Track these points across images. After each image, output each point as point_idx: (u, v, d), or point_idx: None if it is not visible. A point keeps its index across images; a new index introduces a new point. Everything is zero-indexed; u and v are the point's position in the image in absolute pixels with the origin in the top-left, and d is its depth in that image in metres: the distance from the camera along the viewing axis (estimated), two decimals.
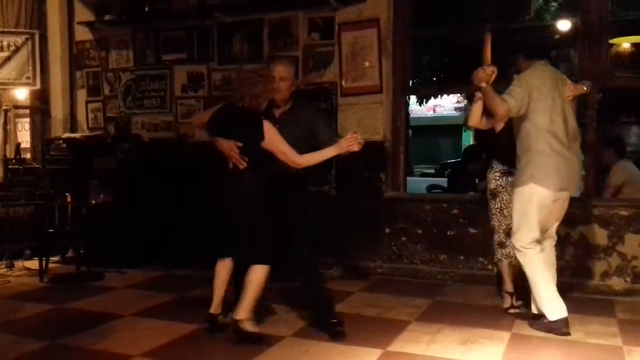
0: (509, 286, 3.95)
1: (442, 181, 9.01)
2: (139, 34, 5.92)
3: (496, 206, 3.92)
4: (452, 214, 4.82)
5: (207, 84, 5.65)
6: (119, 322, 3.79)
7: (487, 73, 3.42)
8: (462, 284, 4.66)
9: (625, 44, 9.03)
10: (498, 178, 3.89)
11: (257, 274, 3.33)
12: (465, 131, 22.10)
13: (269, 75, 3.48)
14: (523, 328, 3.64)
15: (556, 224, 3.70)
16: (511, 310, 3.91)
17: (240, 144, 3.29)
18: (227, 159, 3.34)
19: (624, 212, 4.31)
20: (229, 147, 3.31)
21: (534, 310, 3.66)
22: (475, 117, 3.89)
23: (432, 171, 20.20)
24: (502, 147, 3.86)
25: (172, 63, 5.80)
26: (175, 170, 5.42)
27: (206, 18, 5.53)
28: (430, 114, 24.62)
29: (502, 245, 3.93)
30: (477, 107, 3.84)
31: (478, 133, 5.52)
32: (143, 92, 5.94)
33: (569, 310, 3.93)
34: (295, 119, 3.59)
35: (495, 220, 3.95)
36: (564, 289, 4.39)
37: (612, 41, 7.48)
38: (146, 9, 5.72)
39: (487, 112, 3.74)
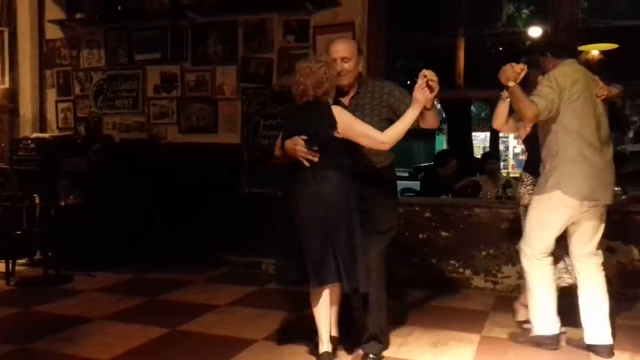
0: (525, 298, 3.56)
1: (416, 184, 9.08)
2: (111, 33, 5.85)
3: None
4: (425, 217, 4.87)
5: (181, 84, 5.60)
6: (88, 326, 3.72)
7: (515, 71, 3.14)
8: (433, 287, 4.70)
9: (594, 51, 9.24)
10: (531, 192, 3.47)
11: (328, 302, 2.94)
12: (438, 135, 22.35)
13: (328, 59, 3.03)
14: (493, 330, 3.69)
15: (596, 239, 3.34)
16: (526, 326, 3.56)
17: (304, 137, 2.85)
18: (301, 164, 2.86)
19: None
20: (293, 143, 2.86)
21: (519, 319, 3.67)
22: (501, 119, 3.45)
23: (406, 174, 20.34)
24: (530, 156, 3.59)
25: (144, 63, 5.74)
26: (148, 172, 5.36)
27: (180, 18, 5.49)
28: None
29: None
30: (503, 108, 3.39)
31: (451, 137, 5.53)
32: (115, 92, 5.86)
33: None
34: (370, 101, 3.11)
35: None
36: None
37: (581, 48, 7.65)
38: (119, 8, 5.66)
39: (516, 115, 3.37)
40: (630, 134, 16.06)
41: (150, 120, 5.74)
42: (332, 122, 2.83)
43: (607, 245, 4.32)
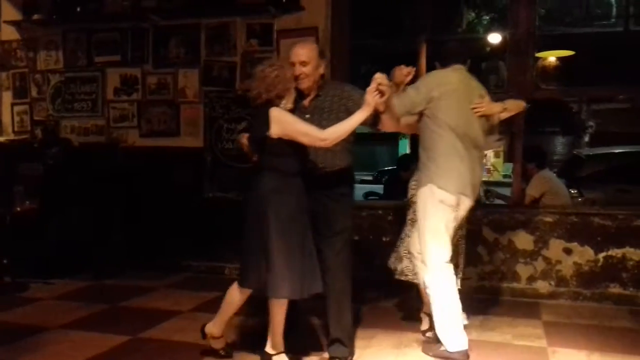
0: (428, 307, 3.43)
1: (380, 188, 9.16)
2: (69, 35, 5.72)
3: (409, 217, 3.63)
4: (388, 220, 4.91)
5: (142, 87, 5.52)
6: (46, 334, 3.63)
7: (402, 73, 3.20)
8: (396, 289, 4.73)
9: (551, 57, 9.50)
10: (414, 187, 3.52)
11: (277, 312, 2.95)
12: (401, 139, 22.57)
13: (287, 62, 3.04)
14: None
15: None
16: (428, 334, 3.53)
17: (246, 135, 3.08)
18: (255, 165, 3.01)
19: (548, 219, 4.51)
20: (237, 140, 3.22)
21: (423, 328, 3.62)
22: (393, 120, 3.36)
23: (370, 178, 20.48)
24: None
25: (104, 65, 5.62)
26: (108, 176, 5.26)
27: (141, 20, 5.41)
28: None
29: (401, 259, 3.68)
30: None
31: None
32: (73, 95, 5.73)
33: (499, 312, 4.09)
34: (329, 105, 3.11)
35: (406, 230, 3.66)
36: (493, 292, 4.59)
37: (538, 55, 7.86)
38: (78, 9, 5.54)
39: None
40: (586, 138, 16.53)
41: (110, 124, 5.63)
42: (267, 125, 2.84)
43: (564, 246, 4.46)
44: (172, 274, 5.16)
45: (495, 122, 3.40)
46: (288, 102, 2.96)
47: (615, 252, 4.36)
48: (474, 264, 4.62)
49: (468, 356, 3.21)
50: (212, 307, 3.40)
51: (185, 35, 5.36)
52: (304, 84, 3.06)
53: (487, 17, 11.01)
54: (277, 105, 2.90)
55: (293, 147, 2.89)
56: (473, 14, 11.24)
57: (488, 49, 9.78)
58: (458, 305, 3.23)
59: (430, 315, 3.41)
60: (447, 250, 3.23)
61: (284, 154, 2.90)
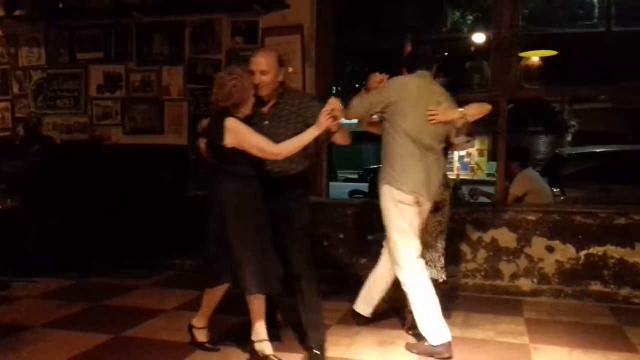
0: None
1: (365, 186, 9.18)
2: (52, 31, 5.66)
3: None
4: (372, 219, 4.91)
5: (125, 84, 5.48)
6: (28, 333, 3.59)
7: (376, 80, 3.37)
8: None
9: (534, 57, 9.59)
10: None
11: (253, 306, 3.08)
12: None
13: (246, 71, 3.10)
14: None
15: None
16: (411, 332, 3.62)
17: (204, 140, 3.18)
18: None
19: (531, 217, 4.56)
20: (197, 142, 3.30)
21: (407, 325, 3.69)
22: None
23: (356, 176, 20.52)
24: None
25: (87, 62, 5.58)
26: (91, 174, 5.21)
27: (124, 17, 5.37)
28: (355, 120, 25.01)
29: None
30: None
31: None
32: (55, 92, 5.68)
33: (482, 310, 4.13)
34: (287, 113, 3.20)
35: None
36: (477, 290, 4.62)
37: (522, 54, 7.93)
38: (60, 5, 5.48)
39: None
40: (569, 138, 16.71)
41: (93, 121, 5.59)
42: (221, 135, 2.97)
43: (546, 244, 4.51)
44: (156, 272, 5.13)
45: (459, 125, 3.45)
46: (246, 109, 3.06)
47: (597, 250, 4.42)
48: (457, 261, 4.66)
49: (450, 347, 3.24)
50: (196, 305, 3.39)
51: (170, 33, 5.33)
52: (263, 92, 3.14)
53: (472, 17, 11.07)
54: (234, 114, 3.00)
55: (248, 155, 3.00)
56: (457, 14, 11.29)
57: (472, 48, 9.85)
58: (435, 298, 3.27)
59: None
60: (415, 247, 3.31)
61: (240, 161, 3.02)
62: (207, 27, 5.24)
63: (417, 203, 3.33)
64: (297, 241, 3.23)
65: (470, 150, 23.18)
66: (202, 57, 5.24)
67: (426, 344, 3.28)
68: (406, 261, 3.30)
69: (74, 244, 5.07)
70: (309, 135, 3.01)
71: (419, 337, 3.40)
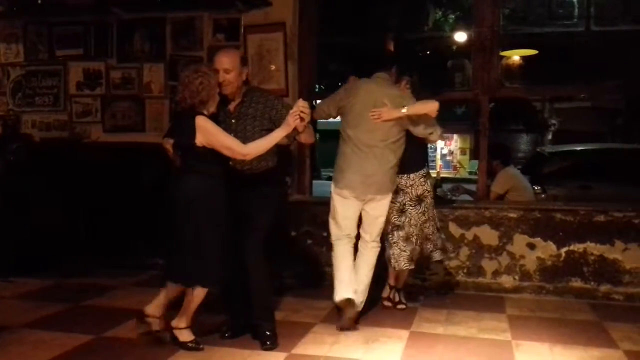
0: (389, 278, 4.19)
1: None
2: (30, 28, 5.57)
3: (421, 210, 4.04)
4: None
5: (105, 82, 5.41)
6: (8, 334, 3.52)
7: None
8: None
9: (515, 56, 9.67)
10: (423, 184, 4.02)
11: (198, 295, 3.21)
12: None
13: (212, 69, 3.21)
14: (421, 326, 3.78)
15: (371, 230, 3.85)
16: (385, 303, 4.18)
17: (171, 141, 3.24)
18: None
19: (513, 215, 4.59)
20: (164, 142, 3.32)
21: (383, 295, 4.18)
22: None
23: None
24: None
25: (66, 59, 5.49)
26: (70, 172, 5.14)
27: (104, 13, 5.30)
28: (339, 118, 25.03)
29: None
30: None
31: None
32: (34, 89, 5.59)
33: (465, 307, 4.15)
34: (253, 111, 3.35)
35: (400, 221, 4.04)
36: (459, 287, 4.65)
37: (503, 53, 7.99)
38: (39, 1, 5.38)
39: None
40: (549, 136, 16.90)
41: (72, 119, 5.51)
42: (192, 133, 3.03)
43: (528, 241, 4.55)
44: (137, 272, 5.07)
45: (406, 121, 3.73)
46: (211, 107, 3.15)
47: (577, 247, 4.46)
48: (440, 260, 4.67)
49: (349, 303, 3.64)
50: (178, 305, 3.36)
51: (151, 29, 5.27)
52: (227, 90, 3.26)
53: (453, 16, 11.13)
54: (201, 111, 3.08)
55: (217, 153, 3.08)
56: (440, 13, 11.34)
57: (454, 47, 9.91)
58: (346, 266, 3.77)
59: (389, 285, 4.16)
60: (340, 229, 3.80)
61: (209, 159, 3.10)
62: (189, 24, 5.19)
63: (357, 197, 3.74)
64: (255, 237, 3.31)
65: (452, 148, 23.38)
66: (183, 54, 5.19)
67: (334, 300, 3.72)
68: (333, 238, 3.84)
69: (53, 244, 5.00)
70: (276, 135, 3.13)
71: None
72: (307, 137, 3.44)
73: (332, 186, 3.83)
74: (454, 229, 4.66)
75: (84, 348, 3.33)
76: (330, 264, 4.55)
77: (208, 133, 3.04)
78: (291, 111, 3.10)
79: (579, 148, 8.57)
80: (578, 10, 10.75)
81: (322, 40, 5.49)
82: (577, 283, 4.46)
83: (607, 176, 6.91)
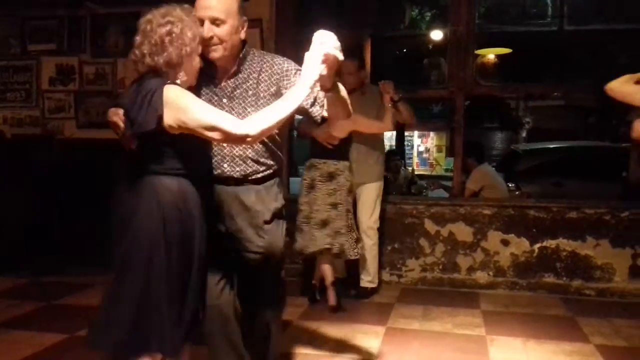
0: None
1: None
2: (2, 22, 5.44)
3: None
4: None
5: (79, 77, 5.32)
6: None
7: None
8: (339, 282, 4.77)
9: (490, 54, 9.76)
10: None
11: None
12: None
13: (191, 16, 2.04)
14: (397, 322, 3.81)
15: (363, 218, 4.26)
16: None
17: (120, 111, 2.01)
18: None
19: (487, 211, 4.64)
20: (113, 111, 2.07)
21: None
22: None
23: None
24: None
25: (39, 54, 5.39)
26: (43, 170, 5.05)
27: (78, 8, 5.22)
28: None
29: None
30: None
31: None
32: (5, 85, 5.46)
33: (440, 303, 4.19)
34: (254, 85, 2.20)
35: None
36: (435, 283, 4.69)
37: (478, 52, 8.06)
38: None
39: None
40: (523, 134, 17.13)
41: (45, 115, 5.41)
42: (154, 110, 1.86)
43: (502, 238, 4.61)
44: (111, 270, 5.00)
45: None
46: (187, 76, 2.01)
47: (550, 243, 4.54)
48: (417, 256, 4.72)
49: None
50: None
51: (125, 24, 5.19)
52: (217, 53, 2.12)
53: (430, 14, 11.20)
54: (169, 79, 1.95)
55: (194, 142, 1.95)
56: (416, 11, 11.40)
57: (430, 45, 9.97)
58: None
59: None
60: None
61: (180, 155, 1.97)
62: None
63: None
64: (267, 282, 2.35)
65: (428, 146, 23.53)
66: None
67: None
68: None
69: (26, 242, 4.91)
70: (294, 96, 1.94)
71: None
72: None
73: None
74: (430, 226, 4.70)
75: (57, 347, 3.28)
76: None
77: (181, 109, 1.86)
78: (318, 48, 1.91)
79: (552, 146, 8.71)
80: (552, 10, 10.90)
81: (300, 38, 5.48)
82: (549, 279, 4.54)
83: (580, 173, 7.04)
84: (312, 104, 2.14)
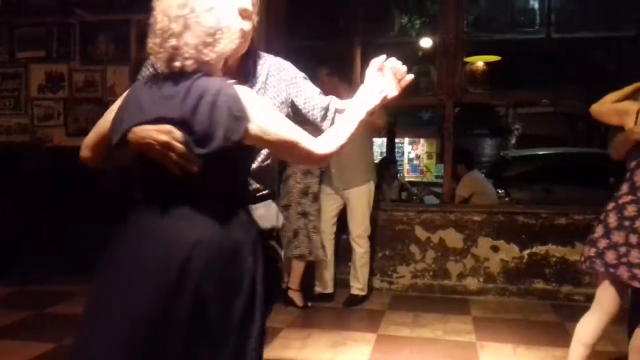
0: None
1: None
2: None
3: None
4: None
5: (68, 84, 5.30)
6: None
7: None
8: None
9: (479, 62, 9.83)
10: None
11: None
12: None
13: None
14: (388, 329, 3.81)
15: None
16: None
17: (177, 133, 1.46)
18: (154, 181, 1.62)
19: (477, 218, 4.67)
20: (158, 130, 1.47)
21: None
22: None
23: None
24: None
25: (28, 61, 5.36)
26: (32, 178, 5.02)
27: (67, 15, 5.20)
28: None
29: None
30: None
31: None
32: None
33: (431, 309, 4.20)
34: (261, 92, 1.86)
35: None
36: (425, 290, 4.70)
37: (467, 59, 8.11)
38: (0, 2, 5.26)
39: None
40: (513, 140, 17.24)
41: (34, 122, 5.38)
42: (241, 116, 1.48)
43: (491, 244, 4.63)
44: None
45: None
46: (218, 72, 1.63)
47: (539, 249, 4.56)
48: (407, 262, 4.73)
49: None
50: None
51: (115, 31, 5.19)
52: (238, 52, 1.75)
53: (419, 22, 11.25)
54: (220, 78, 1.58)
55: (243, 164, 1.64)
56: (405, 19, 11.45)
57: (420, 53, 10.01)
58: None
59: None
60: None
61: (234, 173, 1.59)
62: None
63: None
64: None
65: (419, 152, 23.63)
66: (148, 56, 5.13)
67: None
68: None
69: (14, 250, 4.87)
70: (357, 115, 1.70)
71: None
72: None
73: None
74: (420, 233, 4.72)
75: (45, 357, 3.25)
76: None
77: (261, 116, 1.52)
78: (375, 66, 1.78)
79: (541, 152, 8.77)
80: (539, 18, 10.99)
81: (290, 45, 5.49)
82: (539, 284, 4.56)
83: (569, 179, 7.09)
84: (324, 118, 1.95)
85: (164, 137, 1.47)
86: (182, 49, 1.51)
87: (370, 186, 4.37)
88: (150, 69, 1.84)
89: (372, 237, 4.58)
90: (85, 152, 1.85)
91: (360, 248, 4.31)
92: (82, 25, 5.25)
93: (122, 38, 5.18)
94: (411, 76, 1.81)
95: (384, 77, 1.77)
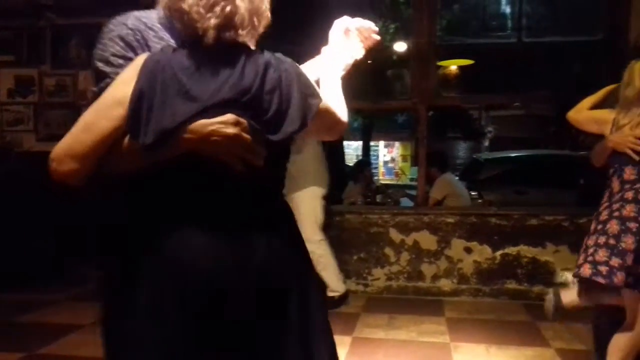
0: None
1: None
2: None
3: None
4: None
5: (39, 89, 5.23)
6: None
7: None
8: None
9: (452, 66, 9.94)
10: None
11: None
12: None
13: None
14: (363, 331, 3.83)
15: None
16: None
17: (243, 121, 1.22)
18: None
19: (450, 220, 4.72)
20: (226, 121, 1.21)
21: None
22: None
23: None
24: None
25: None
26: (2, 184, 4.92)
27: (37, 18, 5.13)
28: None
29: None
30: None
31: None
32: None
33: (405, 311, 4.23)
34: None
35: None
36: (400, 292, 4.73)
37: (440, 63, 8.20)
38: None
39: None
40: (486, 143, 17.46)
41: (3, 127, 5.29)
42: (313, 96, 1.30)
43: (465, 245, 4.68)
44: (73, 286, 4.90)
45: None
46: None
47: (511, 250, 4.63)
48: (382, 265, 4.75)
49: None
50: None
51: (86, 35, 5.13)
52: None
53: (393, 27, 11.34)
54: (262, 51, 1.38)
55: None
56: (380, 23, 11.53)
57: (394, 57, 10.08)
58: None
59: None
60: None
61: (285, 163, 1.40)
62: None
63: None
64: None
65: (394, 156, 23.80)
66: None
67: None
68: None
69: None
70: (338, 75, 1.54)
71: None
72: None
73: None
74: (395, 235, 4.75)
75: None
76: None
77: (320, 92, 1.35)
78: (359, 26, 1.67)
79: (513, 154, 8.90)
80: (511, 22, 11.17)
81: (266, 49, 5.49)
82: (511, 285, 4.63)
83: (540, 181, 7.21)
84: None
85: (232, 130, 1.21)
86: (239, 17, 1.27)
87: (315, 191, 4.23)
88: (121, 43, 1.44)
89: (347, 240, 4.61)
90: (68, 165, 1.30)
91: (315, 252, 4.22)
92: (53, 29, 5.19)
93: (94, 42, 5.09)
94: (378, 37, 1.69)
95: (348, 39, 1.66)
